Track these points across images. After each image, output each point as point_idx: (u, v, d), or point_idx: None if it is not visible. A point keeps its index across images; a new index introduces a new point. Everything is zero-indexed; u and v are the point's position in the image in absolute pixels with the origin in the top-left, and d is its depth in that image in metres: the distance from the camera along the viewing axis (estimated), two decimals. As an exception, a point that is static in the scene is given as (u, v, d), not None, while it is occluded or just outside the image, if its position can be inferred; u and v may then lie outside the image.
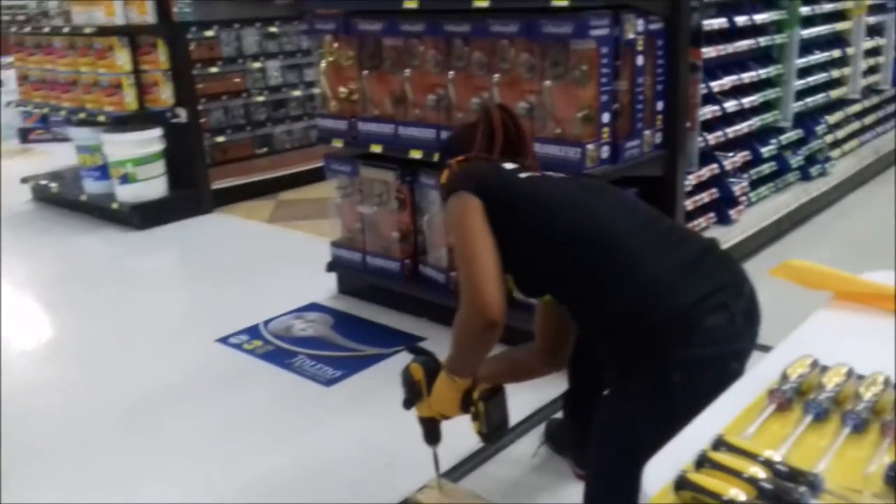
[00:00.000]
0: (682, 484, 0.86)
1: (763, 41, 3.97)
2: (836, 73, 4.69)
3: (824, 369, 1.09)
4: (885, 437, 0.96)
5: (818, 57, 4.46)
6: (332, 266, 3.75)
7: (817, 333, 1.28)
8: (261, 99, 5.90)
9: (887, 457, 0.91)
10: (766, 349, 1.31)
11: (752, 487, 0.85)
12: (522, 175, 1.88)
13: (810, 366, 1.10)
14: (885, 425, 0.98)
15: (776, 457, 0.90)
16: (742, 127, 3.94)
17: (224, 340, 3.36)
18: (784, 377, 1.07)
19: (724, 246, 1.79)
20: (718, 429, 0.98)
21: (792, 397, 1.05)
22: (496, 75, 2.94)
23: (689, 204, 3.59)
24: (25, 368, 3.34)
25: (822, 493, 0.86)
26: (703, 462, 0.90)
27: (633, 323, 1.56)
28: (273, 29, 5.91)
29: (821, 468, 0.89)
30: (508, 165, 1.93)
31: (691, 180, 3.56)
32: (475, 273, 1.69)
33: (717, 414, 1.05)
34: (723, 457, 0.90)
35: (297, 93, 6.11)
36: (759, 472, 0.87)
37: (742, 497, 0.83)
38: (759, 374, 1.13)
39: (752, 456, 0.90)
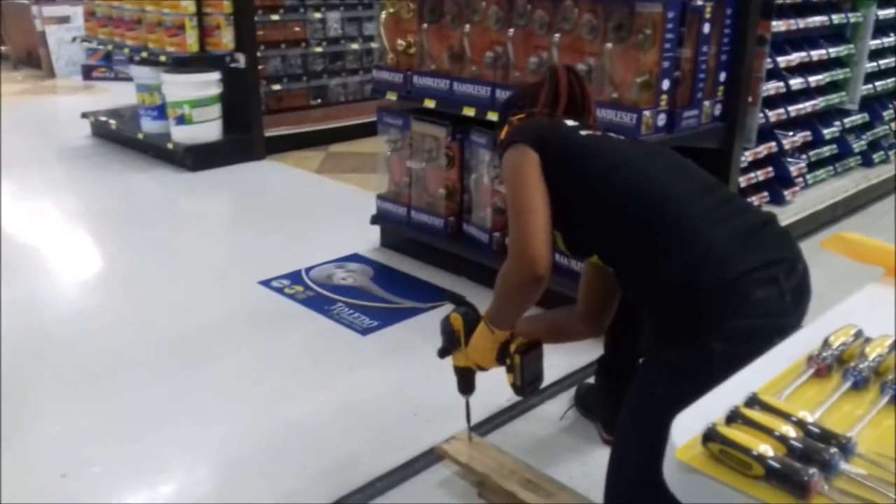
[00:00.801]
0: (710, 436, 0.85)
1: (836, 18, 3.84)
2: (909, 58, 4.51)
3: (868, 340, 1.06)
4: (924, 409, 0.94)
5: (892, 39, 4.29)
6: (376, 219, 3.76)
7: (865, 306, 1.24)
8: (319, 50, 5.91)
9: (925, 428, 0.89)
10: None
11: (783, 445, 0.83)
12: (583, 132, 1.85)
13: (854, 335, 1.07)
14: (925, 397, 0.95)
15: (809, 418, 0.88)
16: (805, 106, 3.83)
17: (266, 283, 3.41)
18: (826, 344, 1.04)
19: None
20: (753, 389, 0.96)
21: (832, 364, 1.02)
22: (556, 35, 2.89)
23: (744, 181, 3.52)
24: (73, 297, 3.44)
25: (853, 457, 0.83)
26: (734, 417, 0.88)
27: (682, 288, 1.53)
28: (336, -20, 5.91)
29: (854, 433, 0.87)
30: (570, 122, 1.91)
31: (747, 157, 3.48)
32: (525, 226, 1.68)
33: (753, 375, 1.03)
34: (755, 414, 0.88)
35: (355, 46, 6.11)
36: (791, 431, 0.85)
37: (771, 453, 0.81)
38: (801, 340, 1.10)
39: (785, 415, 0.88)
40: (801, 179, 3.92)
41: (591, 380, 2.48)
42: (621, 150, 1.82)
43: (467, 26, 3.19)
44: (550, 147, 1.74)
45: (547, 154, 1.72)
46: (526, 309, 1.81)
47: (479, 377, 2.06)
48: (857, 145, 4.31)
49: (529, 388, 1.93)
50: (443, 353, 2.05)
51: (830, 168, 4.18)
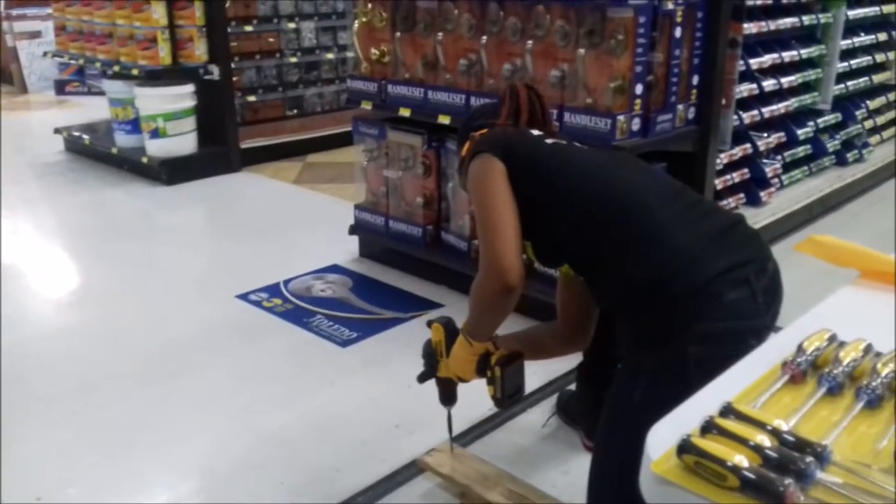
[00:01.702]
0: (685, 448, 0.84)
1: (807, 20, 3.87)
2: (879, 57, 4.57)
3: (842, 344, 1.06)
4: (899, 414, 0.93)
5: (863, 39, 4.34)
6: (354, 229, 3.74)
7: (839, 310, 1.24)
8: (294, 60, 5.88)
9: (900, 433, 0.88)
10: (785, 331, 1.27)
11: (758, 455, 0.82)
12: (549, 141, 1.85)
13: (828, 340, 1.06)
14: (900, 402, 0.95)
15: (784, 426, 0.87)
16: (779, 107, 3.85)
17: (244, 297, 3.38)
18: (800, 349, 1.04)
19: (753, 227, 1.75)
20: (728, 397, 0.95)
21: (806, 370, 1.02)
22: (529, 42, 2.89)
23: (720, 183, 3.53)
24: (49, 314, 3.39)
25: (829, 465, 0.83)
26: (709, 428, 0.87)
27: (654, 292, 1.53)
28: (309, -11, 5.89)
29: (830, 441, 0.86)
30: (534, 132, 1.91)
31: (723, 159, 3.49)
32: (495, 236, 1.67)
33: (727, 383, 1.03)
34: (730, 423, 0.88)
35: (329, 55, 6.09)
36: (766, 441, 0.84)
37: (746, 463, 0.80)
38: (775, 346, 1.10)
39: (760, 424, 0.87)
40: (776, 180, 3.95)
41: (573, 387, 2.47)
42: (587, 157, 1.82)
43: (440, 34, 3.18)
44: (517, 155, 1.73)
45: (513, 163, 1.71)
46: (501, 319, 1.80)
47: (461, 387, 2.05)
48: (831, 145, 4.34)
49: (510, 400, 1.91)
50: (422, 378, 2.04)
51: (805, 168, 4.21)
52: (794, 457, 0.82)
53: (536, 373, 2.57)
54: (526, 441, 2.38)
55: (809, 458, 0.81)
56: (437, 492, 2.15)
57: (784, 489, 0.78)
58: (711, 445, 0.83)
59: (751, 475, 0.79)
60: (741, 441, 0.84)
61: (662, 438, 0.90)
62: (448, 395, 2.07)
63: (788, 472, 0.80)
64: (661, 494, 0.85)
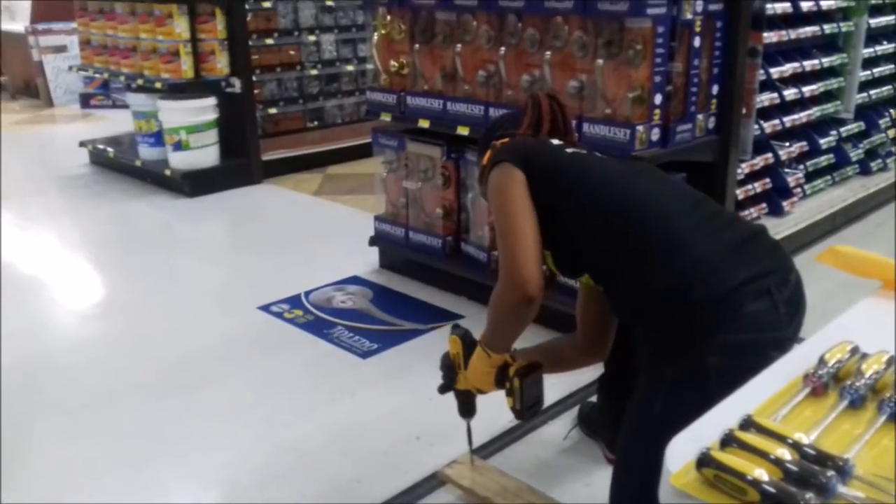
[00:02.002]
0: (704, 461, 0.83)
1: (828, 28, 3.84)
2: (903, 66, 4.52)
3: (864, 356, 1.05)
4: (922, 426, 0.92)
5: (885, 47, 4.29)
6: (374, 240, 3.76)
7: (861, 321, 1.23)
8: (314, 72, 5.93)
9: (924, 447, 0.87)
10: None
11: (778, 469, 0.82)
12: (569, 150, 1.85)
13: (850, 352, 1.05)
14: (923, 415, 0.94)
15: (805, 440, 0.87)
16: (801, 116, 3.82)
17: (266, 308, 3.40)
18: (821, 362, 1.03)
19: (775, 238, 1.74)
20: (748, 410, 0.94)
21: (828, 382, 1.01)
22: (548, 53, 2.90)
23: (741, 193, 3.51)
24: (72, 325, 3.43)
25: (850, 480, 0.82)
26: (728, 441, 0.87)
27: (673, 303, 1.52)
28: (329, 2, 5.93)
29: (851, 455, 0.85)
30: (555, 141, 1.91)
31: (744, 169, 3.47)
32: (514, 247, 1.67)
33: (748, 395, 1.02)
34: (750, 437, 0.87)
35: (350, 67, 6.13)
36: (786, 454, 0.83)
37: (766, 477, 0.80)
38: (796, 358, 1.09)
39: (780, 438, 0.87)
40: (799, 190, 3.92)
41: (594, 399, 2.46)
42: (608, 167, 1.82)
43: (459, 46, 3.20)
44: (537, 165, 1.73)
45: (533, 172, 1.72)
46: (521, 330, 1.80)
47: (481, 399, 2.04)
48: (854, 154, 4.30)
49: (529, 411, 1.91)
50: (443, 389, 2.05)
51: (828, 178, 4.17)
52: (816, 471, 0.81)
53: (556, 385, 2.56)
54: (547, 454, 2.37)
55: (831, 473, 0.81)
56: (458, 504, 2.15)
57: (805, 503, 0.77)
58: (731, 459, 0.83)
59: (771, 489, 0.79)
60: (761, 455, 0.84)
61: (682, 451, 0.89)
62: (467, 408, 2.07)
63: (809, 487, 0.79)
64: (680, 508, 0.85)
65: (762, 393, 1.02)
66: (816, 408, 0.98)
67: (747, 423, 0.91)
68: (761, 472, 0.80)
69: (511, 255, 1.67)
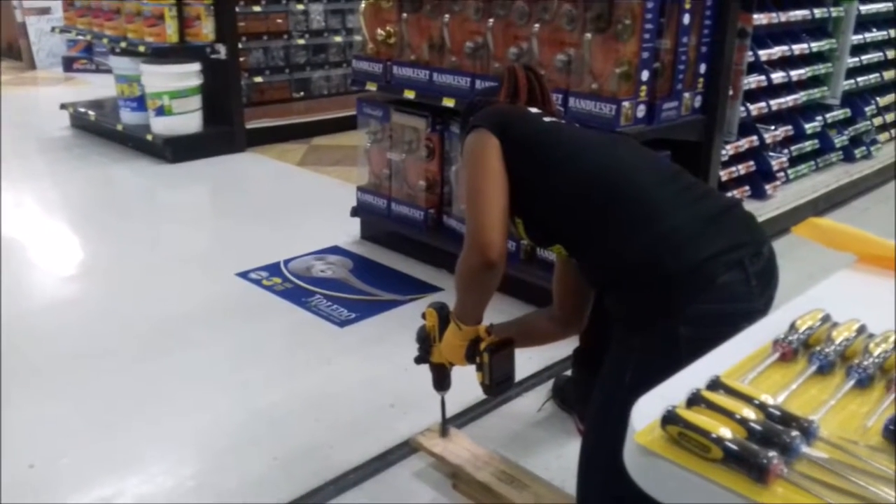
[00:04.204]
0: (669, 419, 0.82)
1: (818, 13, 3.83)
2: (891, 54, 4.52)
3: (835, 325, 1.04)
4: (889, 393, 0.92)
5: (874, 35, 4.30)
6: (356, 211, 3.73)
7: (835, 292, 1.23)
8: (301, 42, 5.86)
9: (889, 412, 0.87)
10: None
11: (743, 428, 0.81)
12: (546, 119, 1.84)
13: (821, 320, 1.05)
14: (890, 382, 0.93)
15: (771, 401, 0.86)
16: (787, 100, 3.82)
17: (244, 275, 3.37)
18: (792, 328, 1.03)
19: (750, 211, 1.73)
20: (717, 373, 0.94)
21: (798, 348, 1.00)
22: (536, 25, 2.87)
23: (724, 175, 3.51)
24: (49, 287, 3.39)
25: (815, 441, 0.82)
26: (695, 401, 0.86)
27: (646, 272, 1.51)
28: (318, -29, 5.86)
29: (818, 417, 0.85)
30: (533, 110, 1.89)
31: (728, 150, 3.47)
32: (480, 211, 1.66)
33: (717, 359, 1.01)
34: (716, 397, 0.87)
35: (338, 38, 6.07)
36: (751, 414, 0.83)
37: (729, 435, 0.79)
38: (767, 325, 1.09)
39: (747, 398, 0.86)
40: (782, 174, 3.92)
41: (569, 373, 2.47)
42: (584, 136, 1.81)
43: (447, 16, 3.16)
44: (513, 131, 1.72)
45: (508, 138, 1.70)
46: (485, 299, 1.79)
47: (456, 370, 2.04)
48: (839, 140, 4.31)
49: (498, 387, 1.90)
50: (418, 360, 2.04)
51: (812, 163, 4.18)
52: (780, 430, 0.81)
53: (531, 358, 2.56)
54: (520, 425, 2.38)
55: (795, 433, 0.80)
56: (430, 471, 2.15)
57: (767, 462, 0.76)
58: (696, 417, 0.82)
59: (734, 447, 0.78)
60: (727, 414, 0.83)
61: (648, 411, 0.89)
62: (441, 381, 2.06)
63: (773, 446, 0.79)
64: (644, 465, 0.84)
65: (731, 357, 1.01)
66: (785, 372, 0.98)
67: (715, 384, 0.90)
68: (725, 431, 0.80)
69: (476, 219, 1.66)
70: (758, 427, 0.81)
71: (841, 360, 0.99)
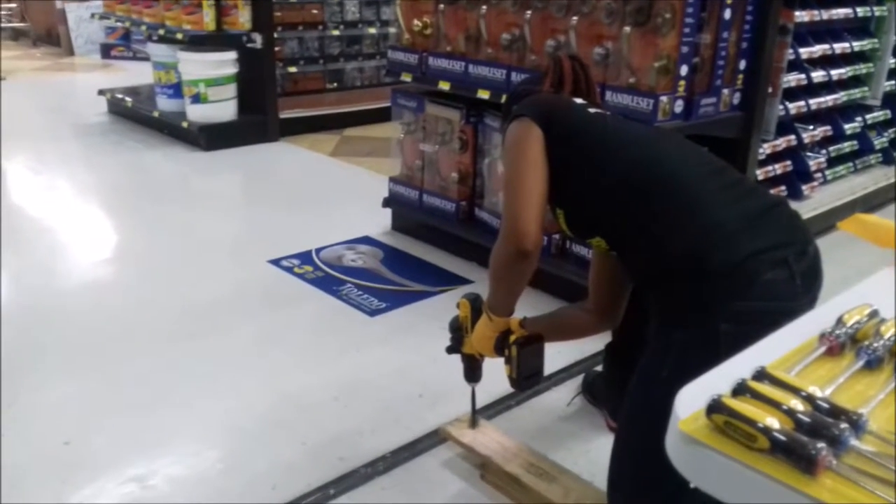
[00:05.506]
0: (715, 407, 0.81)
1: (861, 11, 3.77)
2: (935, 56, 4.43)
3: (883, 320, 1.03)
4: (940, 390, 0.90)
5: (918, 35, 4.21)
6: (388, 202, 3.74)
7: (881, 288, 1.20)
8: (336, 33, 5.88)
9: (940, 408, 0.85)
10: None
11: (790, 419, 0.80)
12: (591, 110, 1.82)
13: (868, 315, 1.03)
14: (941, 379, 0.92)
15: (819, 393, 0.85)
16: (827, 100, 3.76)
17: (276, 262, 3.39)
18: (839, 322, 1.01)
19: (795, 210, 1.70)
20: (762, 364, 0.92)
21: (845, 342, 0.99)
22: (574, 18, 2.85)
23: (761, 174, 3.46)
24: (81, 269, 3.44)
25: (864, 434, 0.80)
26: (741, 391, 0.85)
27: (690, 267, 1.49)
28: (355, -37, 5.87)
29: (867, 410, 0.83)
30: (578, 100, 1.88)
31: (766, 149, 3.42)
32: (517, 200, 1.66)
33: (762, 351, 1.00)
34: (763, 387, 0.85)
35: (372, 30, 6.08)
36: (799, 405, 0.82)
37: (777, 425, 0.78)
38: (814, 319, 1.07)
39: (794, 390, 0.85)
40: (819, 175, 3.86)
41: (599, 368, 2.45)
42: (630, 128, 1.80)
43: (484, 8, 3.15)
44: (557, 122, 1.71)
45: (552, 129, 1.69)
46: (518, 290, 1.78)
47: (487, 361, 2.03)
48: (879, 142, 4.24)
49: (526, 382, 1.89)
50: (450, 350, 2.05)
51: (850, 164, 4.11)
52: (829, 422, 0.79)
53: (561, 352, 2.55)
54: (549, 419, 2.37)
55: (844, 425, 0.79)
56: (458, 461, 2.14)
57: (816, 453, 0.75)
58: (742, 406, 0.81)
59: (782, 437, 0.77)
60: (774, 404, 0.82)
61: (692, 400, 0.87)
62: (472, 372, 2.06)
63: (822, 438, 0.78)
64: (687, 454, 0.83)
65: (776, 349, 1.00)
66: (831, 366, 0.96)
67: (761, 375, 0.89)
68: (773, 421, 0.79)
69: (513, 208, 1.66)
70: (806, 418, 0.80)
71: (889, 355, 0.97)
